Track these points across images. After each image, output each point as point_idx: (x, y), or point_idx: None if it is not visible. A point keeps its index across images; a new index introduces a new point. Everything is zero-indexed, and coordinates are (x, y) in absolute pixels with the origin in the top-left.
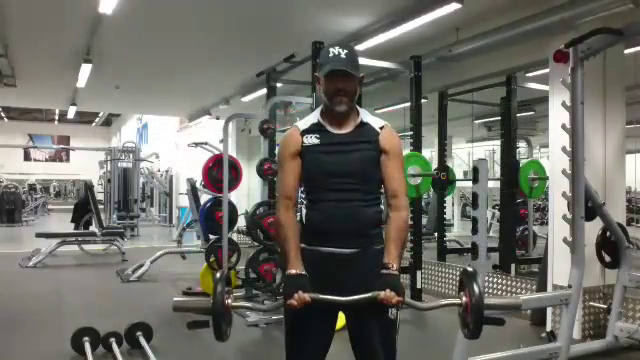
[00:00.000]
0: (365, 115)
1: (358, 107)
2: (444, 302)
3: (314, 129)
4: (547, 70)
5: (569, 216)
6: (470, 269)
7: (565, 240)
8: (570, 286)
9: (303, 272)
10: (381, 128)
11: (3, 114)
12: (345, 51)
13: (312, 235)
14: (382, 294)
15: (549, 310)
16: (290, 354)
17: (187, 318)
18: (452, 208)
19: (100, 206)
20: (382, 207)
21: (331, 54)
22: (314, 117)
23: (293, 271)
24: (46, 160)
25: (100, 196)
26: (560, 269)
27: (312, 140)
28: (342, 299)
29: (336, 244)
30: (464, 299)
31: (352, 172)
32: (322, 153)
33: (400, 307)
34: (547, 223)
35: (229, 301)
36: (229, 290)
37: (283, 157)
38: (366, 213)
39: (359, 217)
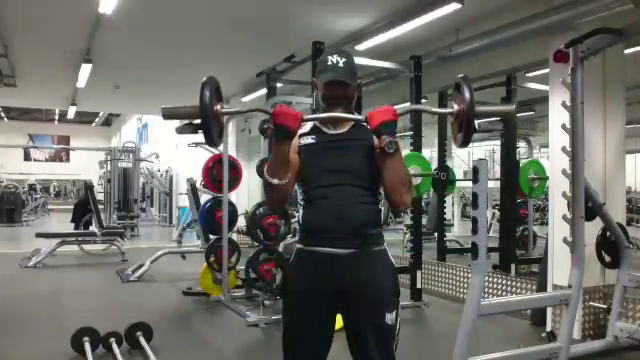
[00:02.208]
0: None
1: (354, 111)
2: (435, 109)
3: (310, 132)
4: (547, 70)
5: (569, 216)
6: (461, 75)
7: (565, 240)
8: (570, 286)
9: None
10: None
11: (3, 114)
12: (343, 59)
13: (309, 235)
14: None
15: (549, 310)
16: (288, 354)
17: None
18: (452, 208)
19: (100, 206)
20: (381, 207)
21: (329, 62)
22: (311, 122)
23: None
24: (46, 160)
25: (100, 196)
26: (560, 269)
27: (307, 140)
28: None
29: (333, 244)
30: (455, 107)
31: (346, 169)
32: (316, 152)
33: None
34: (547, 223)
35: (218, 107)
36: (218, 97)
37: None
38: (362, 211)
39: (355, 215)
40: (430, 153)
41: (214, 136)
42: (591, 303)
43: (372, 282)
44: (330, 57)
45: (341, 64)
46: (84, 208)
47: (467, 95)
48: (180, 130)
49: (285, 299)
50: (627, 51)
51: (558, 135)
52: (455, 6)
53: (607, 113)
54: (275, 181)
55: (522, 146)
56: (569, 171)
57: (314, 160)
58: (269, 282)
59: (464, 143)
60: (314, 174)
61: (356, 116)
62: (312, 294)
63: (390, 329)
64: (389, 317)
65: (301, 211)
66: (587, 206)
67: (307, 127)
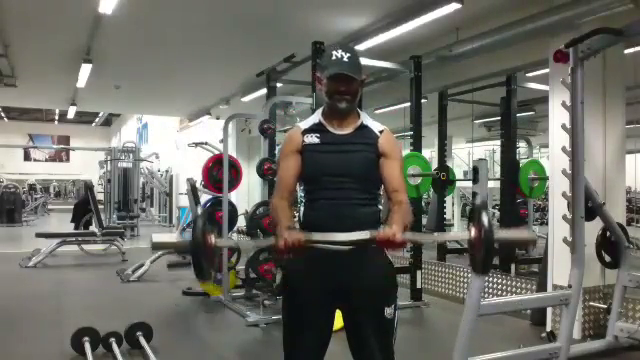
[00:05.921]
0: (365, 118)
1: (359, 110)
2: (452, 235)
3: (315, 129)
4: (547, 70)
5: (569, 216)
6: (479, 201)
7: (565, 240)
8: (570, 286)
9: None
10: (380, 132)
11: (3, 114)
12: (348, 54)
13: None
14: (380, 233)
15: (549, 310)
16: (289, 352)
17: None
18: (452, 208)
19: (100, 206)
20: (381, 207)
21: (334, 57)
22: (315, 117)
23: (285, 225)
24: (46, 160)
25: (100, 196)
26: (560, 269)
27: (312, 139)
28: (338, 239)
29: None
30: (473, 233)
31: (350, 172)
32: (321, 152)
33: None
34: (547, 223)
35: (212, 239)
36: (213, 229)
37: (283, 154)
38: (364, 212)
39: (357, 216)
40: (430, 153)
41: (204, 269)
42: (591, 303)
43: (371, 278)
44: (334, 52)
45: (345, 59)
46: (84, 208)
47: (485, 222)
48: (170, 266)
49: (285, 296)
50: (627, 51)
51: (558, 135)
52: (455, 6)
53: (607, 113)
54: None
55: (522, 146)
56: (569, 171)
57: (317, 160)
58: (269, 282)
59: (484, 270)
60: (316, 174)
61: (361, 237)
62: (312, 291)
63: (389, 323)
64: (388, 311)
65: (302, 209)
66: (587, 206)
67: (310, 122)
